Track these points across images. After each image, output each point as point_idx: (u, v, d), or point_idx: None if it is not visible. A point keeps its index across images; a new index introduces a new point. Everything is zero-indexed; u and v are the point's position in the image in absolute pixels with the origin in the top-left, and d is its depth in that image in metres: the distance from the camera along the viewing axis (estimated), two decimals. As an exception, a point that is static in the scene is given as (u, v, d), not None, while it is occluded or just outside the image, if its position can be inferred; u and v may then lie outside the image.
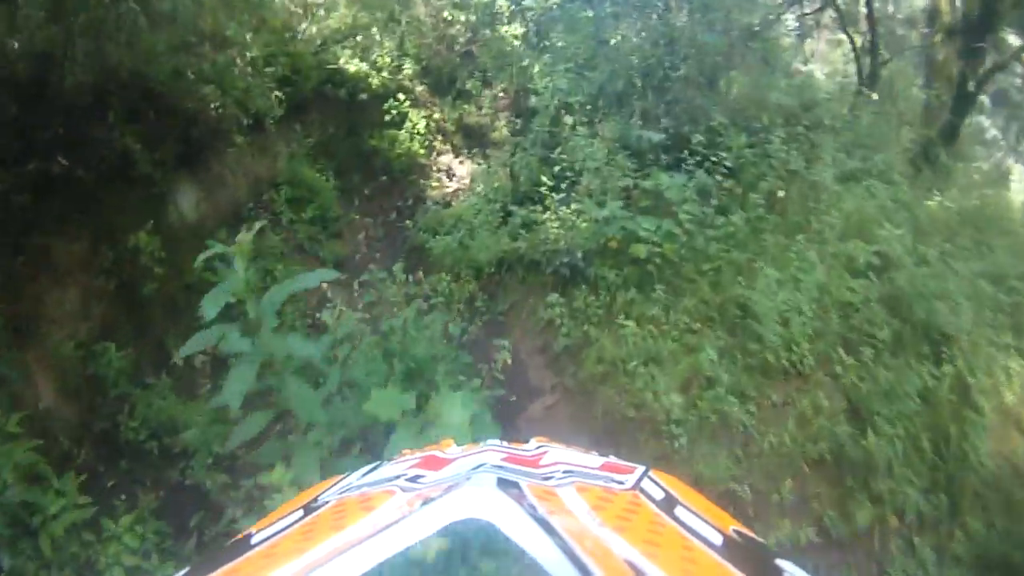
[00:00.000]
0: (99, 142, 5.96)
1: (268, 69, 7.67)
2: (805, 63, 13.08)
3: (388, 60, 10.17)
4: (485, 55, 10.60)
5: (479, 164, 10.08)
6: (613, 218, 5.98)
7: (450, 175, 10.12)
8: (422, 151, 9.99)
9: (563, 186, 6.89)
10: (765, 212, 6.33)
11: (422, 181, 9.84)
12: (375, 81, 9.80)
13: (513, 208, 7.36)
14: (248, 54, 7.18)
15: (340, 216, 8.64)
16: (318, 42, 9.34)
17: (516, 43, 10.65)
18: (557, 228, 6.44)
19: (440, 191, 9.70)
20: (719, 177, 6.49)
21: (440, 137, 10.46)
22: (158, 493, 5.22)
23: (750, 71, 8.85)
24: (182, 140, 6.69)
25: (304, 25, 9.18)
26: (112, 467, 5.32)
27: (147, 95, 6.36)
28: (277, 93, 7.85)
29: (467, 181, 9.71)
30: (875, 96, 9.43)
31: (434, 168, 10.15)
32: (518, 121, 9.83)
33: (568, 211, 6.54)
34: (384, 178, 9.68)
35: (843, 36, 11.82)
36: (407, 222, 8.85)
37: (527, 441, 1.53)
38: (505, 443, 1.51)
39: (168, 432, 5.43)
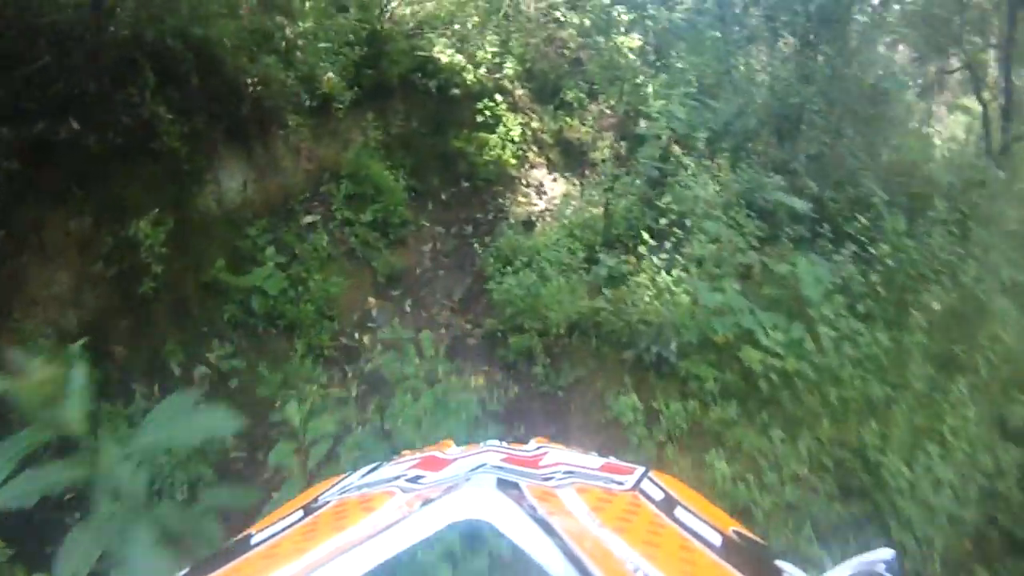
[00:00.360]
0: (122, 106, 4.77)
1: (323, 44, 6.20)
2: (924, 125, 11.08)
3: (488, 55, 8.65)
4: (595, 65, 9.01)
5: (574, 185, 8.55)
6: (728, 308, 4.34)
7: (540, 192, 8.56)
8: (513, 161, 8.47)
9: (667, 244, 5.25)
10: (922, 334, 4.58)
11: (508, 194, 8.32)
12: (471, 77, 8.32)
13: (601, 254, 5.75)
14: (301, 24, 5.81)
15: (407, 222, 7.16)
16: (410, 25, 7.93)
17: (631, 57, 9.07)
18: (651, 297, 4.82)
19: (526, 208, 8.16)
20: (871, 274, 4.77)
21: (535, 148, 8.91)
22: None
23: (899, 131, 7.07)
24: (227, 114, 5.43)
25: (395, 3, 7.74)
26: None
27: (192, 59, 5.12)
28: (331, 74, 6.45)
29: (556, 202, 8.13)
30: (1001, 174, 7.48)
31: (523, 182, 8.62)
32: (622, 145, 8.27)
33: (669, 278, 4.90)
34: (466, 185, 8.21)
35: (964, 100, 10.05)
36: (479, 241, 7.37)
37: (527, 441, 1.44)
38: (505, 443, 1.39)
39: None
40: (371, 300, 6.50)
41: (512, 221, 7.73)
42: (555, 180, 8.77)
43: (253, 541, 0.85)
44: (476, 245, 7.31)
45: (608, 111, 9.14)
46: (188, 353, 4.95)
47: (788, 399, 4.16)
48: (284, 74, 5.69)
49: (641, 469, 1.08)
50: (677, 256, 5.04)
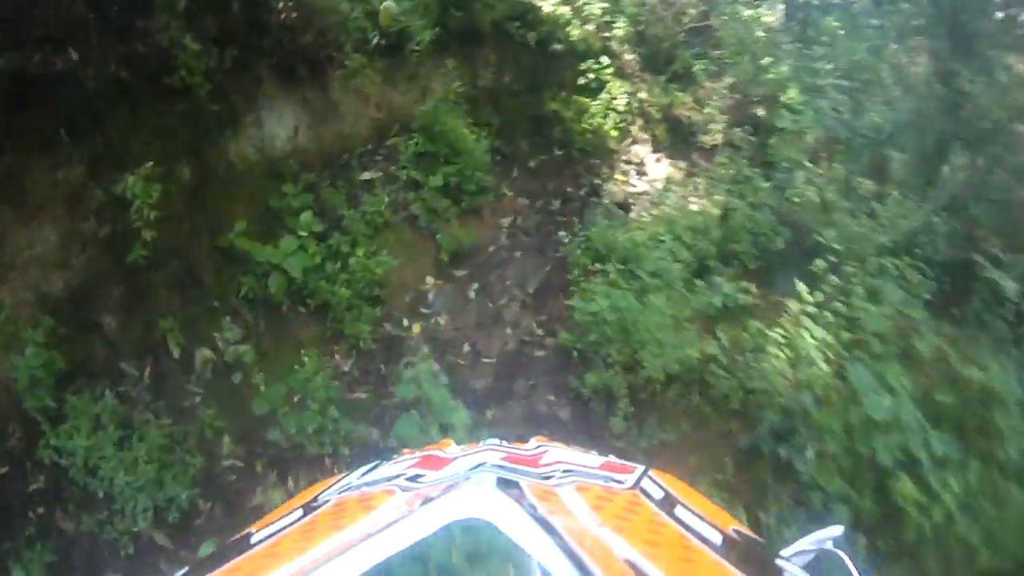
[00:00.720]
0: (138, 33, 3.70)
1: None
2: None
3: (598, 12, 7.40)
4: (723, 35, 7.46)
5: (679, 169, 7.11)
6: (896, 421, 2.88)
7: (640, 172, 7.18)
8: (614, 133, 7.14)
9: (820, 293, 3.70)
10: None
11: (605, 169, 6.97)
12: (576, 32, 7.08)
13: (715, 274, 4.36)
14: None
15: (485, 189, 5.89)
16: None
17: (762, 33, 7.52)
18: (780, 358, 3.42)
19: (623, 189, 6.81)
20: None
21: (640, 122, 7.48)
22: (78, 524, 3.33)
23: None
24: (275, 48, 4.19)
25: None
26: (38, 470, 3.40)
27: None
28: (390, 2, 5.08)
29: (659, 185, 6.79)
30: None
31: (623, 158, 7.23)
32: (739, 132, 6.69)
33: (812, 342, 3.46)
34: (559, 153, 6.89)
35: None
36: (566, 223, 6.02)
37: (527, 441, 1.38)
38: (505, 442, 1.31)
39: (89, 472, 3.31)
40: (429, 280, 5.28)
41: (606, 202, 6.45)
42: (658, 160, 7.35)
43: (253, 540, 0.80)
44: (562, 227, 6.01)
45: (727, 91, 7.52)
46: (191, 332, 3.95)
47: (931, 552, 2.77)
48: (347, 3, 4.36)
49: (641, 468, 1.02)
50: (825, 312, 3.52)
